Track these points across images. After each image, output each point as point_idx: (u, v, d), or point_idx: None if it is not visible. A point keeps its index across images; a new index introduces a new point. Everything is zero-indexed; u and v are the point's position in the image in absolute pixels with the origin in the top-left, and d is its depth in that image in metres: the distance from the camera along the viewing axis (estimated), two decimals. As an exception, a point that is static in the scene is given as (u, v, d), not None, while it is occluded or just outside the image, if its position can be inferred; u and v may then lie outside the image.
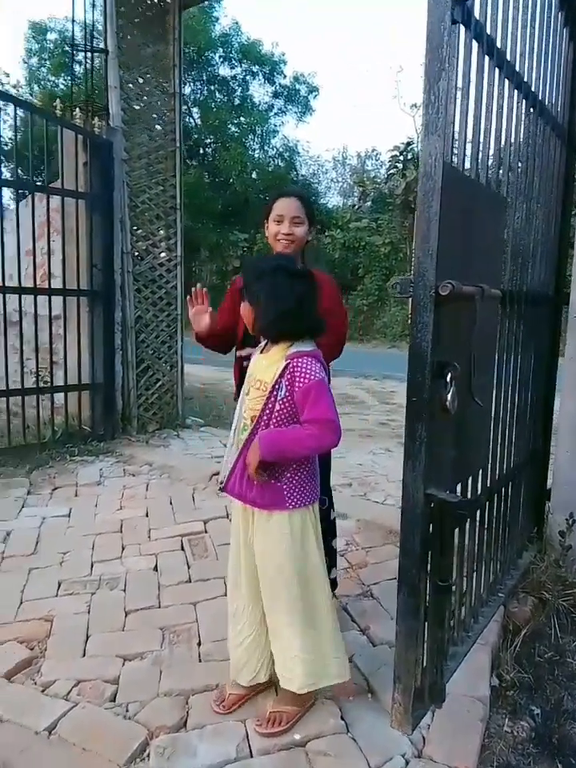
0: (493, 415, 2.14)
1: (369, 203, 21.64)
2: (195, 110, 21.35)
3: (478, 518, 2.07)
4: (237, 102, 21.31)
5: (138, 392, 5.06)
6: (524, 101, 2.12)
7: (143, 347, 5.17)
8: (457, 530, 1.88)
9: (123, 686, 1.98)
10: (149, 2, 5.06)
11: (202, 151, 21.98)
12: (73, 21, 4.92)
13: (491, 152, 1.90)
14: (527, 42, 2.08)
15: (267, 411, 1.64)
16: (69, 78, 6.97)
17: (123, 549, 2.98)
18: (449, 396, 1.49)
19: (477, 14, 1.63)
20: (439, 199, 1.38)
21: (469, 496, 1.93)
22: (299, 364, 1.59)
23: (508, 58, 1.91)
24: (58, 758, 1.70)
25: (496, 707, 1.91)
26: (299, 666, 1.73)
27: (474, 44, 1.62)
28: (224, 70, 21.11)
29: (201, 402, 6.76)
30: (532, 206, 2.36)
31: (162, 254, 5.29)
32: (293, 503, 1.69)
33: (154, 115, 5.16)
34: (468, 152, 1.75)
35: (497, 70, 1.81)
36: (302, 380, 1.58)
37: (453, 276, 1.43)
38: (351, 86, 45.49)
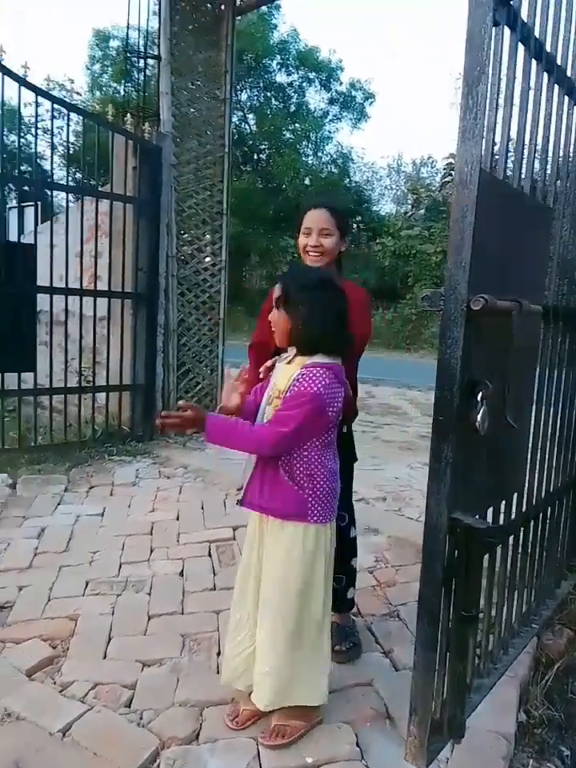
0: (531, 436, 2.04)
1: (422, 211, 21.34)
2: (251, 116, 21.57)
3: (510, 545, 1.97)
4: (292, 108, 21.40)
5: (178, 394, 5.10)
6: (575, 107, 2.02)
7: (184, 350, 5.21)
8: (487, 556, 1.80)
9: (139, 692, 1.97)
10: (203, 9, 5.12)
11: (256, 157, 22.17)
12: (128, 27, 5.02)
13: (537, 160, 1.81)
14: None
15: None
16: (128, 84, 7.13)
17: (152, 551, 2.99)
18: (479, 416, 1.42)
19: (524, 16, 1.56)
20: (475, 209, 1.31)
21: (501, 521, 1.84)
22: (309, 373, 1.57)
23: (559, 62, 1.82)
24: (71, 760, 1.70)
25: (521, 745, 1.81)
26: (267, 682, 1.71)
27: (520, 47, 1.55)
28: (281, 77, 21.25)
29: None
30: (582, 217, 2.24)
31: (207, 259, 5.33)
32: (312, 517, 1.66)
33: (205, 121, 5.20)
34: (511, 160, 1.67)
35: (545, 74, 1.72)
36: (300, 386, 1.56)
37: (487, 290, 1.36)
38: (409, 93, 45.15)
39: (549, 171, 1.93)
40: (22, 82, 3.80)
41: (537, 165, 1.83)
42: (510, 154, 1.64)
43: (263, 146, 21.97)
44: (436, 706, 1.55)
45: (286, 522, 1.67)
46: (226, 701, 1.92)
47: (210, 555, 2.97)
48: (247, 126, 21.45)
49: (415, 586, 2.63)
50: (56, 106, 4.14)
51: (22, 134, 15.98)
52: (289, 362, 1.72)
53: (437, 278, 18.12)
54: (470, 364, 1.39)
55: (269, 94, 21.46)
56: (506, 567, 1.95)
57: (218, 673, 2.07)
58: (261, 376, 1.87)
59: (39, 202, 5.67)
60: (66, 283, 4.30)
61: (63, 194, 4.50)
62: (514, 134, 1.63)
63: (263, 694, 1.73)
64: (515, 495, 1.95)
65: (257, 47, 19.25)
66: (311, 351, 1.64)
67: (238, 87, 19.95)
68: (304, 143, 21.70)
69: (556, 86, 1.83)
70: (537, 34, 1.64)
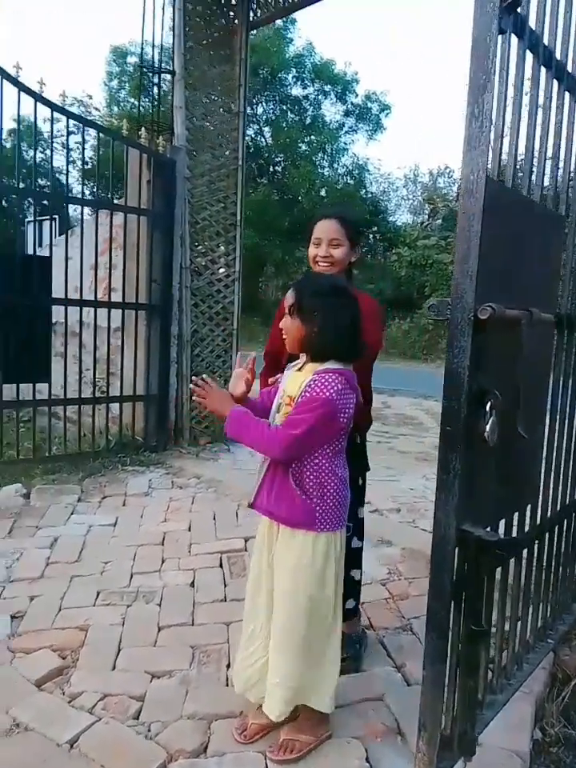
0: (546, 447, 2.00)
1: (439, 221, 21.28)
2: (267, 129, 21.75)
3: (524, 558, 1.93)
4: (308, 121, 21.53)
5: (191, 405, 5.11)
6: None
7: (198, 361, 5.23)
8: (500, 569, 1.76)
9: (148, 703, 1.96)
10: (217, 24, 5.18)
11: (271, 169, 22.32)
12: (143, 43, 5.11)
13: (548, 168, 1.80)
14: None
15: None
16: (146, 99, 7.24)
17: (163, 562, 2.99)
18: (488, 426, 1.40)
19: (533, 24, 1.55)
20: (481, 218, 1.29)
21: (514, 534, 1.80)
22: (321, 378, 1.57)
23: (569, 69, 1.80)
24: (77, 773, 1.69)
25: (536, 764, 1.77)
26: (279, 694, 1.70)
27: (529, 54, 1.54)
28: (296, 90, 21.40)
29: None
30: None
31: (221, 270, 5.35)
32: (320, 526, 1.65)
33: (219, 134, 5.25)
34: (522, 169, 1.66)
35: (555, 81, 1.71)
36: (312, 391, 1.56)
37: (495, 299, 1.34)
38: (425, 104, 45.22)
39: (561, 179, 1.91)
40: (38, 97, 3.87)
41: (549, 173, 1.81)
42: (520, 163, 1.63)
43: (279, 159, 22.12)
44: (446, 721, 1.51)
45: (295, 531, 1.66)
46: (235, 714, 1.90)
47: (221, 566, 2.96)
48: (263, 139, 21.63)
49: (428, 600, 2.61)
50: (72, 120, 4.21)
51: (42, 150, 16.32)
52: (299, 369, 1.72)
53: (453, 288, 17.98)
54: (479, 374, 1.37)
55: (284, 107, 21.63)
56: (520, 581, 1.91)
57: (227, 685, 2.06)
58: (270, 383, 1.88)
59: (57, 216, 5.77)
60: (81, 295, 4.35)
61: (80, 208, 4.54)
62: (523, 142, 1.62)
63: (274, 705, 1.72)
64: (529, 507, 1.92)
65: (272, 61, 19.44)
66: (324, 358, 1.63)
67: (254, 101, 20.14)
68: (320, 155, 21.80)
69: (567, 94, 1.81)
70: (546, 41, 1.63)
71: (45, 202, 5.08)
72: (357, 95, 21.63)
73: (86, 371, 4.55)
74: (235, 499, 3.90)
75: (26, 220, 6.49)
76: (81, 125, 4.36)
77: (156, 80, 5.24)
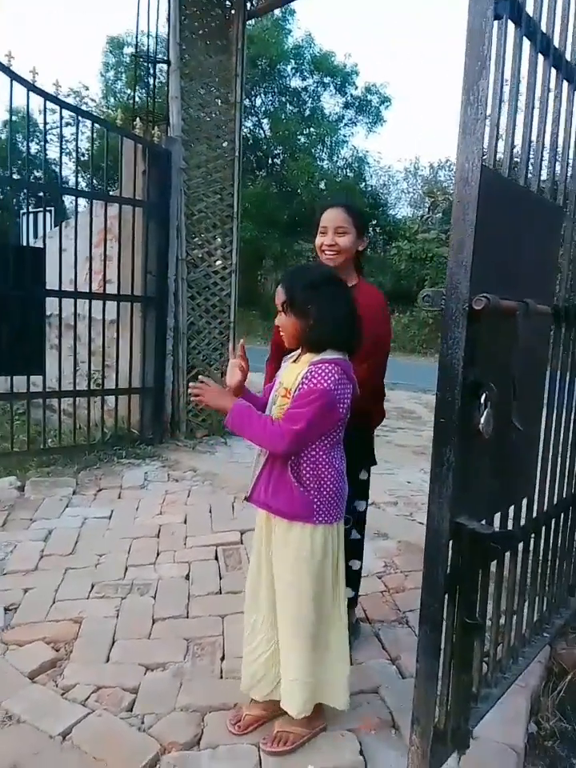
0: (542, 440, 1.99)
1: (439, 214, 21.20)
2: (265, 121, 21.61)
3: (520, 551, 1.92)
4: (307, 113, 21.40)
5: (188, 398, 5.09)
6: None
7: (194, 353, 5.21)
8: (495, 562, 1.75)
9: (141, 696, 1.96)
10: (213, 13, 5.13)
11: (270, 162, 22.20)
12: (137, 33, 5.05)
13: (546, 158, 1.77)
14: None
15: None
16: (142, 90, 7.18)
17: (158, 555, 2.98)
18: (483, 419, 1.38)
19: (530, 10, 1.52)
20: (476, 206, 1.27)
21: (509, 527, 1.79)
22: (317, 369, 1.55)
23: (568, 57, 1.78)
24: (70, 764, 1.69)
25: (531, 757, 1.76)
26: (298, 691, 1.69)
27: (526, 41, 1.51)
28: (295, 82, 21.25)
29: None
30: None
31: (218, 262, 5.32)
32: (318, 518, 1.64)
33: (215, 125, 5.20)
34: (518, 158, 1.64)
35: (553, 69, 1.69)
36: (309, 382, 1.54)
37: (490, 289, 1.32)
38: (426, 96, 45.04)
39: (559, 169, 1.89)
40: (30, 86, 3.82)
41: (546, 163, 1.79)
42: (517, 152, 1.61)
43: (278, 151, 22.00)
44: (440, 715, 1.51)
45: (292, 524, 1.65)
46: (229, 706, 1.90)
47: (216, 559, 2.95)
48: (262, 131, 21.50)
49: (423, 592, 2.61)
50: (66, 111, 4.16)
51: (38, 141, 16.19)
52: (295, 361, 1.70)
53: (453, 282, 17.96)
54: (473, 365, 1.35)
55: (283, 98, 21.49)
56: (516, 574, 1.90)
57: (221, 678, 2.05)
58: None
59: (52, 208, 5.72)
60: (76, 287, 4.32)
61: (74, 199, 4.50)
62: (520, 131, 1.59)
63: (294, 703, 1.71)
64: (526, 501, 1.90)
65: (271, 52, 19.28)
66: (321, 348, 1.62)
67: (253, 92, 20.01)
68: (319, 147, 21.69)
69: (565, 82, 1.79)
70: (544, 28, 1.60)
71: (40, 193, 5.04)
72: (356, 87, 21.50)
73: (82, 364, 4.52)
74: (231, 492, 3.90)
75: (21, 212, 6.44)
76: (75, 115, 4.32)
77: (152, 70, 5.19)
